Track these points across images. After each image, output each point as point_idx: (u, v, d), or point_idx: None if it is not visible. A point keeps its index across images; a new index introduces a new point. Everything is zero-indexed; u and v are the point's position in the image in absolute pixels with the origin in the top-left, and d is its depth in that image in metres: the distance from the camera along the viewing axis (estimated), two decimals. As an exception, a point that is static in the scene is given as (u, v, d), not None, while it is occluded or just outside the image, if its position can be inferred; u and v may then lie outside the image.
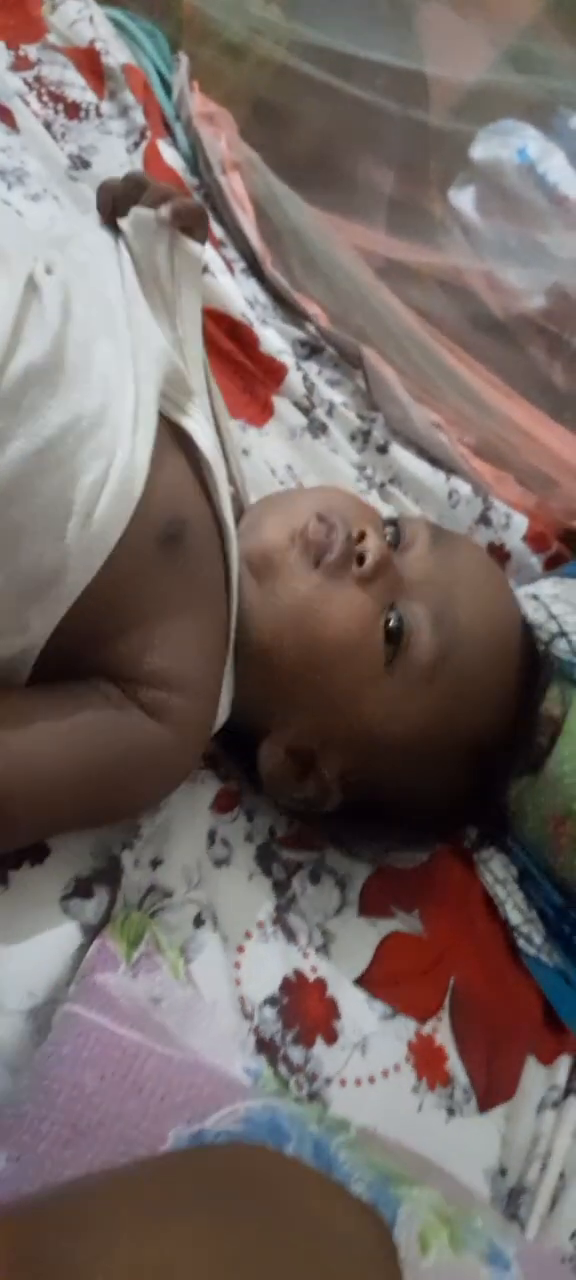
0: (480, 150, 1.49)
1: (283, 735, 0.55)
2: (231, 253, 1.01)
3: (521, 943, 0.67)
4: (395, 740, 0.54)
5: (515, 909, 0.69)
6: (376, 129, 1.23)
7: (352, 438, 0.95)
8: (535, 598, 0.83)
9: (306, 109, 1.22)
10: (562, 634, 0.78)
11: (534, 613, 0.80)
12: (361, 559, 0.54)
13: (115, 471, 0.47)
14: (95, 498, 0.46)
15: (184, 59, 1.10)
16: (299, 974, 0.53)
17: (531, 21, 1.36)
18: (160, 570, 0.49)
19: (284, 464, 0.87)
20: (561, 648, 0.77)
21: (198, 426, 0.54)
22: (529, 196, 1.48)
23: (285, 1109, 0.41)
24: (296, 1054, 0.50)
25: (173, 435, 0.53)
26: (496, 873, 0.70)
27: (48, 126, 0.87)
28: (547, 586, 0.90)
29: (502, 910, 0.67)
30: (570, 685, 0.75)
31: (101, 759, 0.46)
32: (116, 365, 0.51)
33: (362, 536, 0.56)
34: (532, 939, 0.68)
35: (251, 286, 1.00)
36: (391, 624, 0.54)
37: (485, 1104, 0.56)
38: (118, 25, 1.10)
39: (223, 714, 0.53)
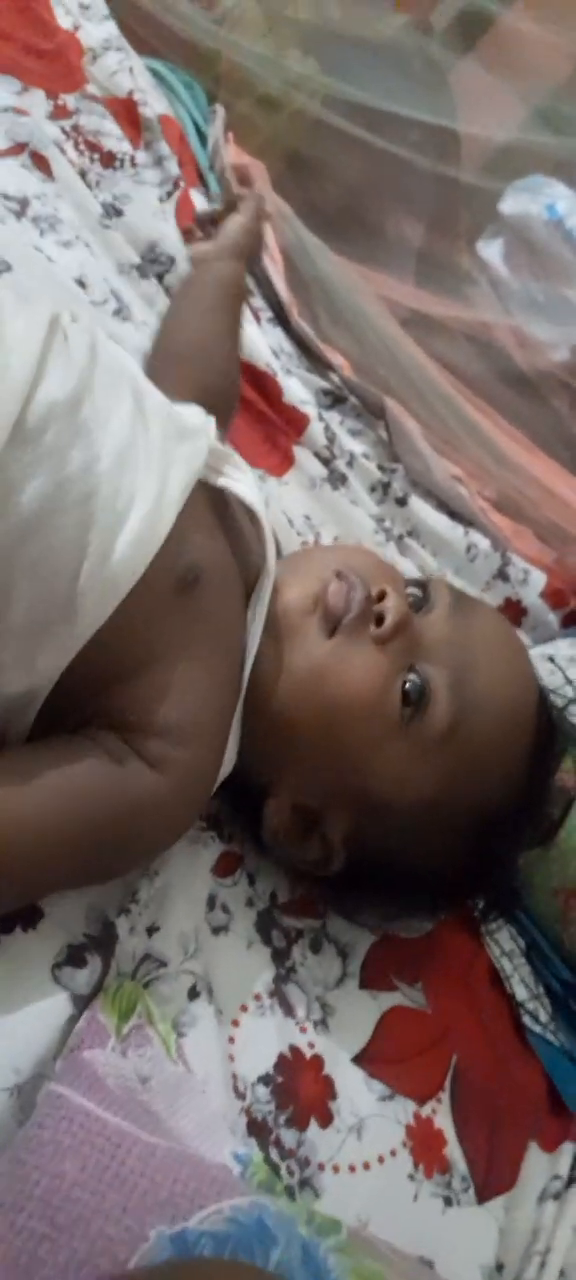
0: (509, 204, 1.48)
1: (290, 792, 0.53)
2: (259, 301, 0.99)
3: (527, 1019, 0.64)
4: (403, 804, 0.52)
5: (521, 983, 0.65)
6: (407, 183, 1.22)
7: (372, 489, 0.92)
8: (551, 660, 0.80)
9: (338, 162, 1.21)
10: (578, 700, 0.75)
11: (550, 676, 0.77)
12: (380, 619, 0.53)
13: (137, 515, 0.45)
14: (113, 541, 0.45)
15: (220, 111, 1.10)
16: (295, 1050, 0.50)
17: (562, 81, 1.34)
18: (172, 616, 0.48)
19: (302, 514, 0.84)
20: (576, 714, 0.74)
21: (237, 482, 0.53)
22: (556, 251, 1.46)
23: (273, 1208, 0.38)
24: (289, 1137, 0.47)
25: (203, 493, 0.52)
26: (503, 944, 0.66)
27: (83, 174, 0.86)
28: (564, 648, 0.87)
29: (508, 985, 0.64)
30: (585, 754, 0.72)
31: (99, 818, 0.44)
32: (143, 411, 0.49)
33: (382, 596, 0.54)
34: (538, 1015, 0.65)
35: (277, 335, 0.99)
36: (408, 686, 0.51)
37: (484, 1194, 0.53)
38: (156, 75, 1.10)
39: (227, 767, 0.51)
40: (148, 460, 0.47)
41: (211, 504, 0.53)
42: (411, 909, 0.59)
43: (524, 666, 0.57)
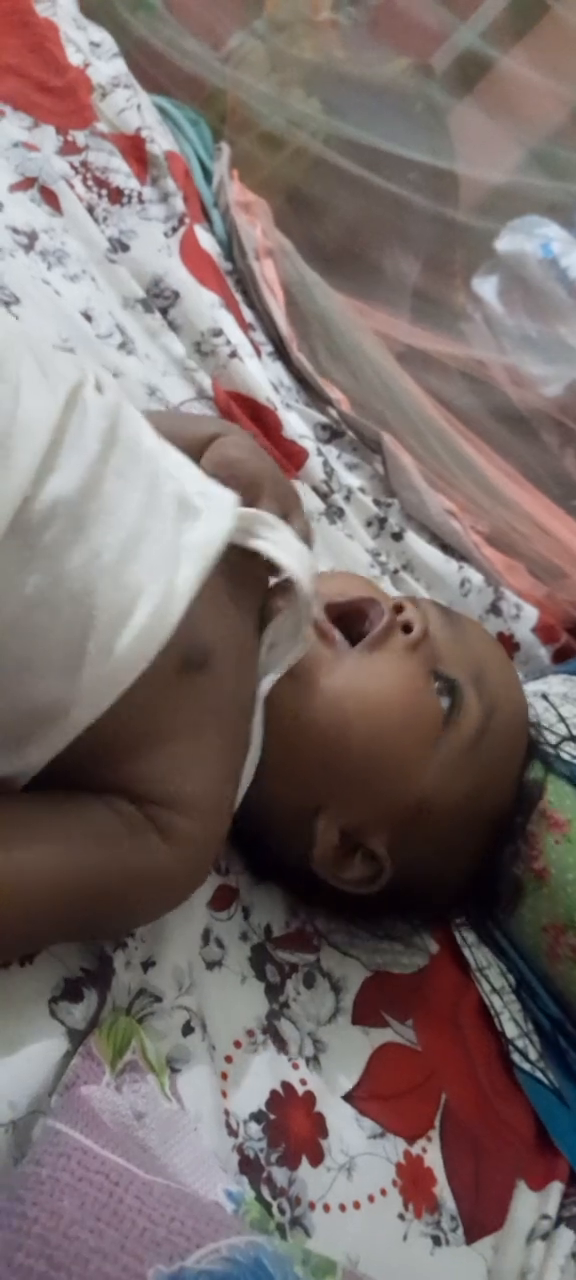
0: (505, 242, 1.50)
1: (337, 814, 0.53)
2: (260, 336, 1.00)
3: (516, 1057, 0.64)
4: (445, 806, 0.53)
5: (510, 1021, 0.65)
6: (405, 222, 1.24)
7: (368, 524, 0.93)
8: (544, 697, 0.80)
9: (339, 199, 1.22)
10: (572, 737, 0.75)
11: (544, 713, 0.78)
12: (407, 628, 0.54)
13: (143, 611, 0.43)
14: (113, 638, 0.42)
15: (225, 148, 1.11)
16: (287, 1086, 0.50)
17: (558, 126, 1.37)
18: (177, 698, 0.46)
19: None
20: (570, 751, 0.75)
21: (274, 545, 0.49)
22: (550, 289, 1.48)
23: (269, 1248, 0.38)
24: (280, 1175, 0.47)
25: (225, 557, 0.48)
26: (493, 981, 0.67)
27: (91, 210, 0.87)
28: (556, 684, 0.88)
29: (498, 1022, 0.64)
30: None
31: (102, 879, 0.43)
32: (158, 496, 0.46)
33: (400, 608, 0.56)
34: (528, 1053, 0.65)
35: (277, 370, 1.00)
36: (439, 686, 0.54)
37: (472, 1234, 0.52)
38: (163, 113, 1.12)
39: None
40: (158, 549, 0.45)
41: (230, 568, 0.48)
42: (422, 917, 0.61)
43: (515, 673, 0.61)
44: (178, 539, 0.46)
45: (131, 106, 1.01)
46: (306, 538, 0.53)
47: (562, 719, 0.76)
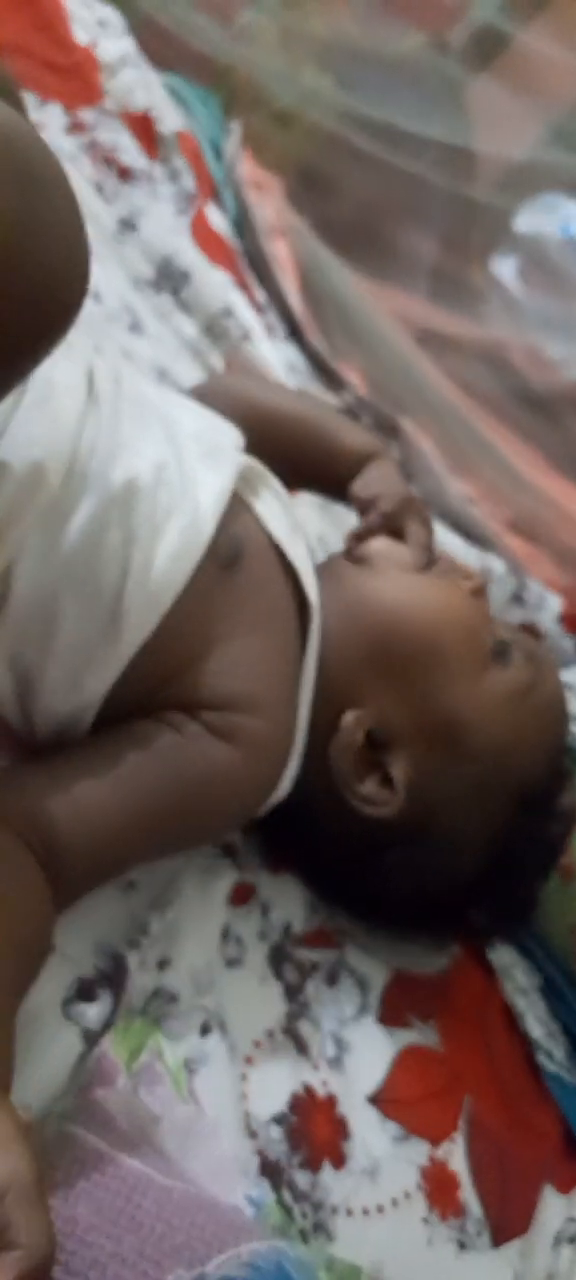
0: (523, 222, 1.48)
1: (372, 712, 0.53)
2: (273, 318, 0.99)
3: (542, 1058, 0.63)
4: (478, 744, 0.54)
5: (536, 1021, 0.64)
6: (421, 200, 1.22)
7: (387, 510, 0.92)
8: (569, 688, 0.79)
9: (352, 178, 1.21)
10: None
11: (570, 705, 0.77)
12: (468, 578, 0.58)
13: (175, 529, 0.47)
14: (152, 555, 0.46)
15: (236, 127, 1.10)
16: (308, 1089, 0.49)
17: (576, 102, 1.35)
18: (220, 599, 0.49)
19: (315, 534, 0.84)
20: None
21: (264, 505, 0.54)
22: (570, 270, 1.47)
23: (292, 1253, 0.38)
24: (302, 1179, 0.46)
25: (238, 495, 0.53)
26: (518, 981, 0.66)
27: (99, 188, 0.86)
28: (579, 675, 0.87)
29: (522, 1023, 0.63)
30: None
31: (169, 793, 0.46)
32: (173, 433, 0.50)
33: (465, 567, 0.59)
34: (554, 1054, 0.64)
35: (291, 352, 0.99)
36: (492, 641, 0.55)
37: (498, 1238, 0.52)
38: (173, 91, 1.11)
39: (298, 749, 0.51)
40: (182, 478, 0.49)
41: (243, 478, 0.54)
42: (438, 905, 0.59)
43: (562, 686, 0.60)
44: (198, 466, 0.50)
45: (140, 85, 1.00)
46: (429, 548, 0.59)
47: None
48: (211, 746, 0.47)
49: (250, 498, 0.54)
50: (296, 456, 0.61)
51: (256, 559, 0.52)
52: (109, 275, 0.80)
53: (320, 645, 0.53)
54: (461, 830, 0.54)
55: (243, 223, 1.01)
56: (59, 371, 0.46)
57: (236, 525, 0.51)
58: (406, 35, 1.30)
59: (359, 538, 0.59)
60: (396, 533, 0.59)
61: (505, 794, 0.55)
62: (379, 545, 0.58)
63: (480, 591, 0.57)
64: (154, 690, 0.47)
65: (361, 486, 0.61)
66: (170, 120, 1.00)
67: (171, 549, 0.46)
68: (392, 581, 0.56)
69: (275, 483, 0.57)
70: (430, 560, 0.58)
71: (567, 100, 1.34)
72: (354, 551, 0.58)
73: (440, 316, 1.19)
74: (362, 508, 0.60)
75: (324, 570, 0.57)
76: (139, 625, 0.45)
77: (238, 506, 0.52)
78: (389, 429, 1.01)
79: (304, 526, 0.81)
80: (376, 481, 0.61)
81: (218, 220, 0.97)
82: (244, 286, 0.94)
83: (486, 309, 1.27)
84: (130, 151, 0.90)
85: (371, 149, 1.18)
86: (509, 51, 1.29)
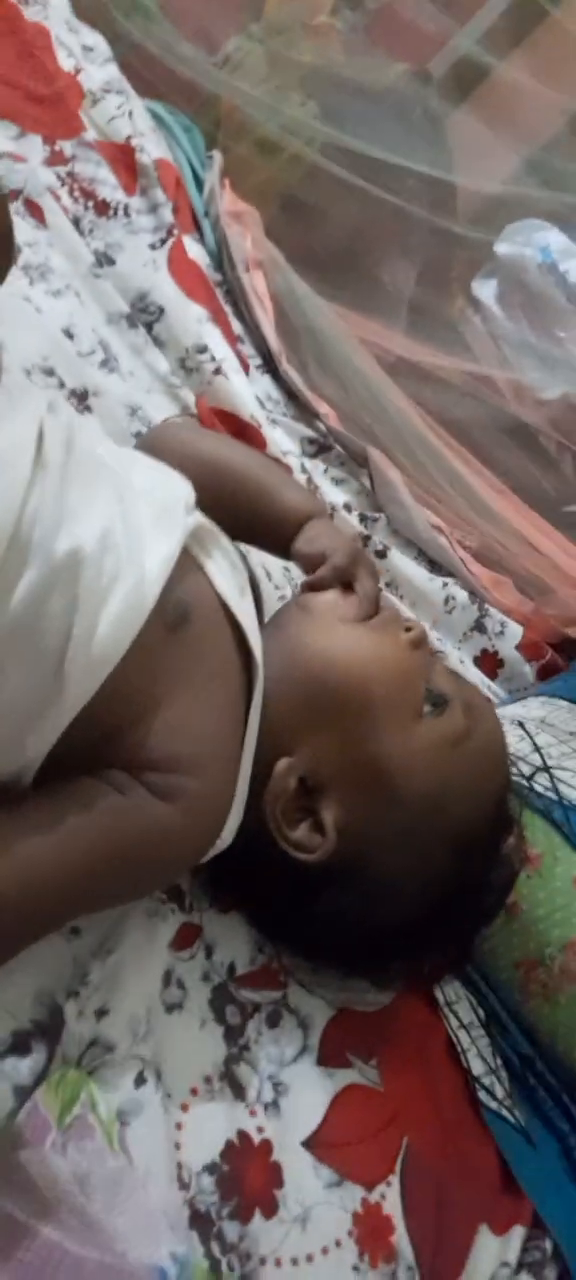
0: (504, 246, 1.46)
1: (303, 759, 0.52)
2: (249, 349, 0.97)
3: (482, 1095, 0.62)
4: (406, 793, 0.52)
5: (478, 1057, 0.63)
6: (401, 230, 1.20)
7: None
8: (521, 725, 0.78)
9: (334, 207, 1.19)
10: (546, 768, 0.73)
11: (518, 742, 0.75)
12: (408, 629, 0.56)
13: (120, 593, 0.45)
14: (96, 620, 0.44)
15: (217, 157, 1.08)
16: (243, 1135, 0.48)
17: (554, 135, 1.33)
18: (165, 659, 0.48)
19: (282, 566, 0.83)
20: (542, 783, 0.72)
21: (214, 565, 0.53)
22: (549, 294, 1.45)
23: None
24: (231, 1230, 0.45)
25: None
26: (461, 1016, 0.65)
27: (76, 222, 0.84)
28: (535, 707, 0.86)
29: (464, 1059, 0.62)
30: (550, 825, 0.70)
31: (110, 852, 0.44)
32: (122, 496, 0.49)
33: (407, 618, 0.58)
34: (495, 1091, 0.63)
35: (265, 383, 0.97)
36: (431, 686, 0.54)
37: (430, 1283, 0.51)
38: (157, 118, 1.08)
39: (240, 799, 0.50)
40: (129, 542, 0.47)
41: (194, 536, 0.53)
42: (372, 967, 0.58)
43: (503, 734, 0.59)
44: (149, 528, 0.49)
45: (123, 114, 0.98)
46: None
47: (537, 749, 0.74)
48: (152, 807, 0.46)
49: (201, 557, 0.53)
50: (238, 511, 0.60)
51: (203, 619, 0.51)
52: (84, 311, 0.78)
53: (264, 697, 0.52)
54: (394, 875, 0.53)
55: (221, 254, 1.00)
56: (4, 437, 0.45)
57: (184, 586, 0.50)
58: (390, 66, 1.28)
59: (311, 589, 0.58)
60: (346, 585, 0.58)
61: (438, 841, 0.53)
62: (325, 597, 0.57)
63: (418, 642, 0.56)
64: (97, 748, 0.46)
65: (306, 542, 0.60)
66: (152, 149, 0.98)
67: (115, 614, 0.45)
68: (329, 631, 0.55)
69: (225, 541, 0.56)
70: (373, 611, 0.57)
71: (544, 133, 1.32)
72: (303, 603, 0.57)
73: (417, 346, 1.17)
74: (309, 563, 0.59)
75: (272, 621, 0.56)
76: (80, 689, 0.44)
77: (187, 566, 0.51)
78: (359, 459, 0.99)
79: (267, 563, 0.81)
80: (322, 537, 0.59)
81: (196, 251, 0.95)
82: (220, 319, 0.92)
83: (467, 330, 1.25)
84: (108, 185, 0.88)
85: (353, 179, 1.16)
86: (488, 83, 1.27)
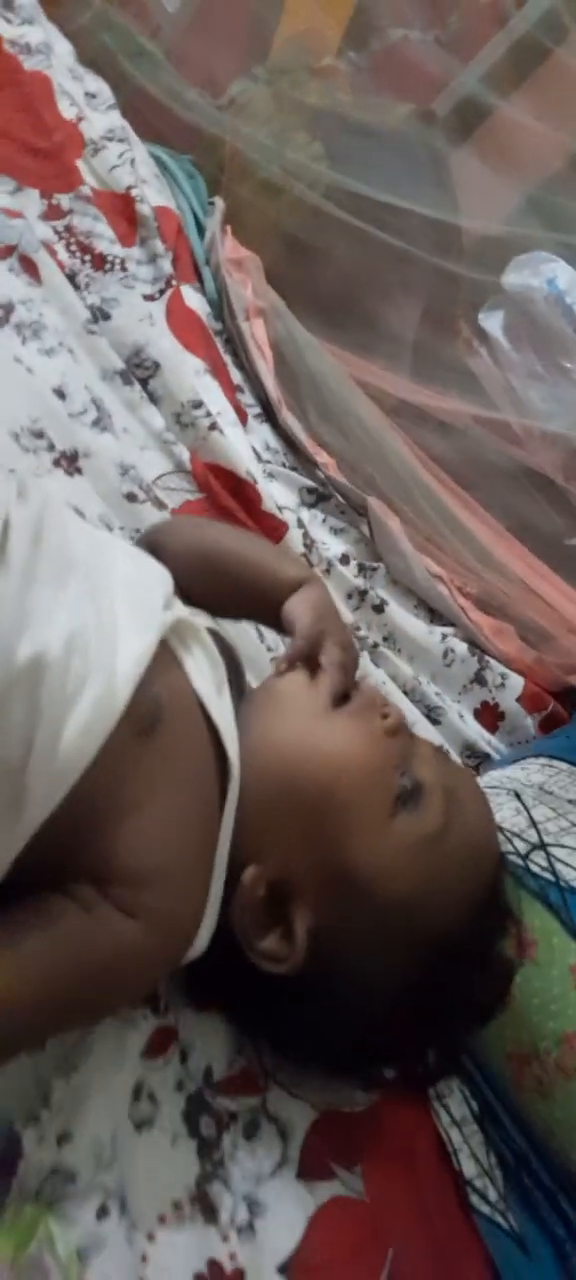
0: (511, 277, 1.42)
1: (271, 865, 0.48)
2: (248, 398, 0.94)
3: (474, 1199, 0.57)
4: (379, 897, 0.48)
5: (470, 1157, 0.59)
6: (405, 273, 1.16)
7: (349, 596, 0.86)
8: (517, 796, 0.73)
9: (338, 249, 1.15)
10: (542, 846, 0.68)
11: (514, 816, 0.71)
12: (384, 715, 0.51)
13: (88, 698, 0.42)
14: (60, 729, 0.41)
15: (219, 204, 1.04)
16: (214, 1264, 0.44)
17: (556, 172, 1.28)
18: (134, 764, 0.44)
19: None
20: (539, 862, 0.68)
21: (193, 662, 0.49)
22: (556, 325, 1.40)
23: None
24: None
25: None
26: (453, 1111, 0.60)
27: (73, 276, 0.81)
28: (535, 771, 0.81)
29: (455, 1160, 0.58)
30: (546, 908, 0.65)
31: (73, 976, 0.41)
32: (94, 592, 0.46)
33: (385, 703, 0.53)
34: (487, 1194, 0.58)
35: (264, 432, 0.93)
36: (405, 779, 0.49)
37: None
38: (159, 163, 1.05)
39: (213, 906, 0.46)
40: (100, 641, 0.44)
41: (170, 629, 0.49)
42: (356, 1050, 0.52)
43: (493, 820, 0.54)
44: (122, 625, 0.45)
45: (124, 162, 0.94)
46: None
47: (533, 823, 0.69)
48: (119, 924, 0.42)
49: (180, 652, 0.49)
50: (237, 592, 0.57)
51: (178, 719, 0.46)
52: (77, 369, 0.75)
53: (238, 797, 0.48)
54: (373, 982, 0.49)
55: (221, 303, 0.96)
56: None
57: (159, 684, 0.46)
58: (395, 107, 1.24)
59: (281, 665, 0.54)
60: (314, 661, 0.53)
61: (418, 945, 0.49)
62: (289, 682, 0.52)
63: (394, 730, 0.51)
64: (62, 856, 0.42)
65: (285, 612, 0.56)
66: (153, 197, 0.95)
67: (81, 722, 0.41)
68: (295, 724, 0.50)
69: (206, 637, 0.51)
70: (345, 694, 0.52)
71: (546, 171, 1.28)
72: (269, 688, 0.53)
73: (421, 388, 1.13)
74: (289, 633, 0.55)
75: (244, 707, 0.52)
76: (42, 802, 0.40)
77: (164, 662, 0.47)
78: (358, 508, 0.95)
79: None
80: (298, 605, 0.55)
81: (195, 301, 0.92)
82: (219, 370, 0.88)
83: (467, 381, 1.20)
84: (106, 239, 0.84)
85: (356, 221, 1.12)
86: (490, 123, 1.22)
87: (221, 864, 0.46)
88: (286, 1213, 0.49)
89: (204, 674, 0.49)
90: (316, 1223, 0.49)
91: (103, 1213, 0.42)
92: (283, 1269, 0.47)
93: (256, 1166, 0.49)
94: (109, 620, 0.45)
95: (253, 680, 0.59)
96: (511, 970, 0.55)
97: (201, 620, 0.53)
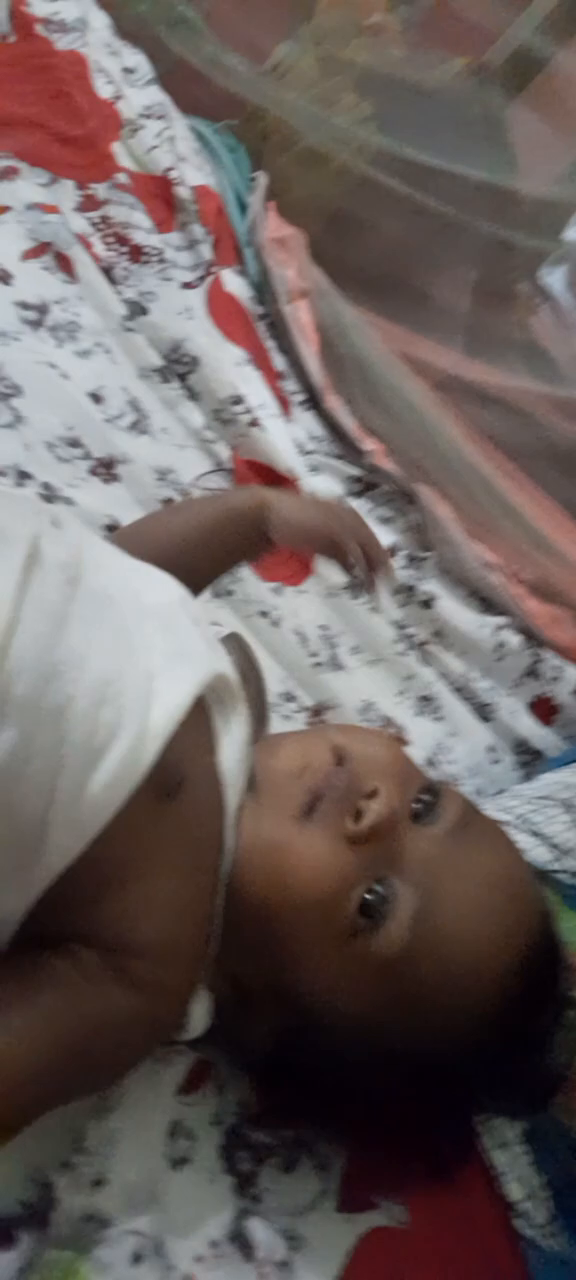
0: (573, 231, 1.33)
1: (231, 965, 0.45)
2: (292, 385, 0.90)
3: (518, 1223, 0.55)
4: (333, 1017, 0.44)
5: (516, 1181, 0.56)
6: (456, 241, 1.09)
7: (396, 592, 0.83)
8: (568, 808, 0.69)
9: (385, 220, 1.08)
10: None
11: (566, 831, 0.67)
12: (359, 816, 0.44)
13: (116, 753, 0.39)
14: (84, 782, 0.39)
15: (261, 179, 0.99)
16: (252, 1306, 0.44)
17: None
18: (150, 829, 0.41)
19: (319, 624, 0.76)
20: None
21: (228, 740, 0.46)
22: (618, 279, 1.31)
23: None
24: None
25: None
26: (500, 1134, 0.58)
27: (109, 270, 0.78)
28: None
29: (502, 1184, 0.55)
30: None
31: (79, 1047, 0.39)
32: (129, 637, 0.43)
33: (373, 794, 0.45)
34: (533, 1217, 0.56)
35: (308, 421, 0.89)
36: (370, 897, 0.43)
37: None
38: (199, 137, 1.01)
39: (204, 993, 0.44)
40: (134, 690, 0.41)
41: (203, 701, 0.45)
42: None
43: (511, 922, 0.45)
44: (149, 683, 0.42)
45: (162, 141, 0.90)
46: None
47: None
48: (116, 994, 0.40)
49: (215, 718, 0.46)
50: (212, 558, 0.57)
51: (197, 788, 0.44)
52: (114, 369, 0.72)
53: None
54: (356, 1076, 0.46)
55: (264, 286, 0.92)
56: None
57: (185, 746, 0.42)
58: (448, 62, 1.15)
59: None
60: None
61: (394, 1060, 0.45)
62: (274, 781, 0.47)
63: (365, 836, 0.43)
64: (69, 914, 0.40)
65: (279, 533, 0.55)
66: (192, 176, 0.91)
67: (107, 777, 0.39)
68: (259, 832, 0.45)
69: (241, 704, 0.48)
70: (315, 801, 0.45)
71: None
72: (254, 791, 0.47)
73: (474, 364, 1.06)
74: (292, 540, 0.56)
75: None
76: (62, 853, 0.39)
77: (195, 721, 0.44)
78: (407, 496, 0.91)
79: (303, 628, 0.73)
80: (289, 520, 0.55)
81: (236, 286, 0.88)
82: (260, 358, 0.84)
83: (521, 356, 1.13)
84: (143, 229, 0.81)
85: (405, 189, 1.05)
86: (545, 73, 1.13)
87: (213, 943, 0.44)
88: (325, 1246, 0.47)
89: (232, 743, 0.46)
90: (356, 1255, 0.47)
91: (137, 1259, 0.41)
92: (321, 1307, 0.45)
93: (294, 1201, 0.47)
94: (144, 668, 0.42)
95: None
96: (557, 1079, 0.50)
97: (229, 645, 0.50)
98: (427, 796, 0.47)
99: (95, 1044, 0.40)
